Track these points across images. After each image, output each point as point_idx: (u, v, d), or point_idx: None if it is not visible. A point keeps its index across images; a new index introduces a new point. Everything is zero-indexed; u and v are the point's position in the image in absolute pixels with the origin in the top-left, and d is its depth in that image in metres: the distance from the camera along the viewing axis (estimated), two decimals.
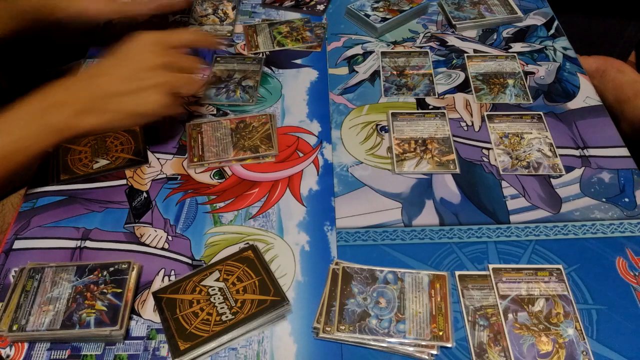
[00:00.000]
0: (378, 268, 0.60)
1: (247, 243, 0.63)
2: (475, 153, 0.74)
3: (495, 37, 0.93)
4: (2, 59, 1.09)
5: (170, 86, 0.64)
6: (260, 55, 0.89)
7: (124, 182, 0.70)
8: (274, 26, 0.94)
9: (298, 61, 0.88)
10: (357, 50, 0.90)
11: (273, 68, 0.87)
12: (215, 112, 0.80)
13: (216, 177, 0.71)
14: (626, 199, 0.68)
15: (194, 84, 0.73)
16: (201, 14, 0.97)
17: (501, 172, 0.71)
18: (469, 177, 0.71)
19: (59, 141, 0.62)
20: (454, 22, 0.93)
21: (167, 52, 0.65)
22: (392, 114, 0.78)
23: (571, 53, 0.89)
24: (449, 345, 0.54)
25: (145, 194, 0.69)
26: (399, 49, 0.90)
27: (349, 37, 0.93)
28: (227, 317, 0.56)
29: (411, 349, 0.54)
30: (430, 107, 0.80)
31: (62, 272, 0.59)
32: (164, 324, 0.56)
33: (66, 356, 0.55)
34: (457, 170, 0.71)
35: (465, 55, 0.88)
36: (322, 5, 0.99)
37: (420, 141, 0.74)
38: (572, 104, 0.80)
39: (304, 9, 0.98)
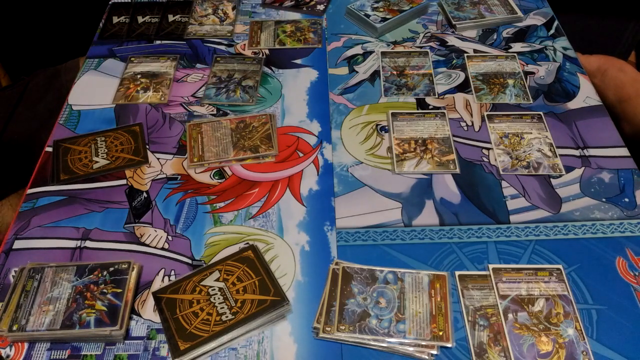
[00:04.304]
0: (378, 268, 0.60)
1: (247, 243, 0.63)
2: (475, 153, 0.74)
3: (495, 37, 0.93)
4: (3, 57, 1.09)
5: None
6: (260, 54, 0.89)
7: (124, 182, 0.70)
8: (280, 24, 0.94)
9: (298, 61, 0.88)
10: (357, 50, 0.90)
11: (273, 68, 0.87)
12: (215, 112, 0.80)
13: (216, 177, 0.71)
14: (626, 199, 0.68)
15: None
16: (201, 14, 0.97)
17: (501, 172, 0.71)
18: (469, 177, 0.71)
19: None
20: (454, 22, 0.93)
21: None
22: (392, 114, 0.78)
23: (571, 53, 0.89)
24: (449, 345, 0.54)
25: (145, 194, 0.69)
26: (399, 49, 0.90)
27: (349, 37, 0.93)
28: (227, 317, 0.56)
29: (411, 349, 0.54)
30: (430, 107, 0.80)
31: (62, 272, 0.59)
32: (164, 324, 0.56)
33: (66, 356, 0.55)
34: (457, 170, 0.71)
35: (465, 55, 0.88)
36: (322, 5, 0.99)
37: (420, 141, 0.74)
38: (572, 104, 0.80)
39: (304, 9, 0.98)
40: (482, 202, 0.68)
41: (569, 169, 0.71)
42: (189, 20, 0.96)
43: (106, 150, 0.73)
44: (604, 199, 0.68)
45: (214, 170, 0.72)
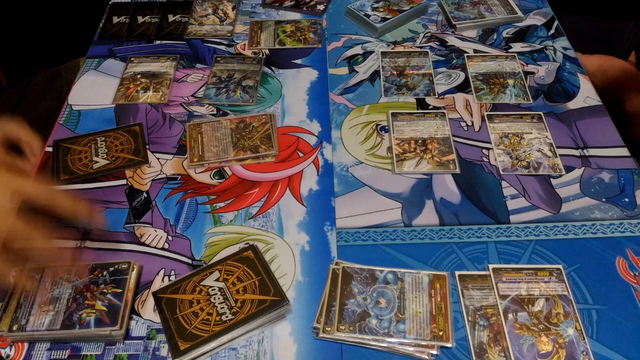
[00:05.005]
0: (378, 268, 0.60)
1: (247, 243, 0.63)
2: (475, 153, 0.74)
3: (495, 37, 0.93)
4: (2, 57, 1.09)
5: None
6: (260, 54, 0.89)
7: (124, 182, 0.70)
8: (280, 24, 0.94)
9: (298, 61, 0.88)
10: (357, 50, 0.90)
11: (273, 68, 0.87)
12: (215, 112, 0.80)
13: (216, 177, 0.71)
14: (626, 199, 0.68)
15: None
16: (201, 14, 0.97)
17: (501, 172, 0.71)
18: (469, 177, 0.71)
19: None
20: (454, 22, 0.93)
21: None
22: (392, 114, 0.78)
23: (571, 53, 0.89)
24: (449, 345, 0.54)
25: (145, 194, 0.69)
26: (399, 49, 0.90)
27: (349, 37, 0.93)
28: (227, 317, 0.56)
29: (411, 349, 0.54)
30: (430, 107, 0.80)
31: (62, 272, 0.59)
32: (164, 324, 0.56)
33: (66, 356, 0.55)
34: (457, 170, 0.71)
35: (465, 55, 0.88)
36: (322, 5, 0.99)
37: (420, 141, 0.74)
38: (572, 104, 0.80)
39: (304, 9, 0.98)
40: (482, 202, 0.68)
41: (569, 169, 0.71)
42: (189, 20, 0.96)
43: (106, 150, 0.73)
44: (604, 199, 0.68)
45: (214, 170, 0.72)
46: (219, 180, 0.71)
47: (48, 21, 1.32)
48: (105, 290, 0.57)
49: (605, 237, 0.64)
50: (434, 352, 0.54)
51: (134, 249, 0.63)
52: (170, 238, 0.64)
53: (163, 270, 0.61)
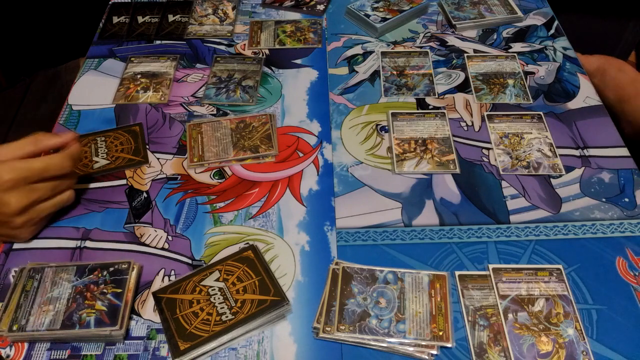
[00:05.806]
0: (378, 268, 0.60)
1: (247, 243, 0.63)
2: (475, 153, 0.74)
3: (495, 37, 0.93)
4: (2, 58, 1.09)
5: (40, 215, 0.62)
6: (260, 54, 0.89)
7: (124, 182, 0.70)
8: (280, 24, 0.94)
9: (298, 61, 0.88)
10: (357, 50, 0.90)
11: (273, 68, 0.87)
12: (215, 112, 0.80)
13: (216, 177, 0.71)
14: (626, 199, 0.68)
15: (64, 201, 0.64)
16: (201, 14, 0.97)
17: (501, 172, 0.71)
18: (469, 177, 0.71)
19: None
20: (454, 22, 0.93)
21: (30, 189, 0.59)
22: (392, 114, 0.78)
23: (571, 53, 0.89)
24: (449, 345, 0.54)
25: (145, 194, 0.69)
26: (399, 49, 0.90)
27: (349, 37, 0.93)
28: (227, 317, 0.56)
29: (411, 349, 0.54)
30: (430, 107, 0.80)
31: (62, 272, 0.59)
32: (164, 324, 0.56)
33: (66, 356, 0.55)
34: (457, 170, 0.71)
35: (465, 55, 0.88)
36: (322, 5, 0.99)
37: (420, 141, 0.74)
38: (572, 104, 0.80)
39: (304, 9, 0.98)
40: (482, 202, 0.68)
41: (569, 169, 0.71)
42: (189, 20, 0.96)
43: (106, 150, 0.73)
44: (604, 199, 0.68)
45: (214, 170, 0.72)
46: (219, 180, 0.71)
47: (48, 21, 1.32)
48: (105, 290, 0.57)
49: (605, 237, 0.64)
50: (434, 352, 0.54)
51: (134, 249, 0.63)
52: (170, 238, 0.64)
53: (163, 270, 0.61)
